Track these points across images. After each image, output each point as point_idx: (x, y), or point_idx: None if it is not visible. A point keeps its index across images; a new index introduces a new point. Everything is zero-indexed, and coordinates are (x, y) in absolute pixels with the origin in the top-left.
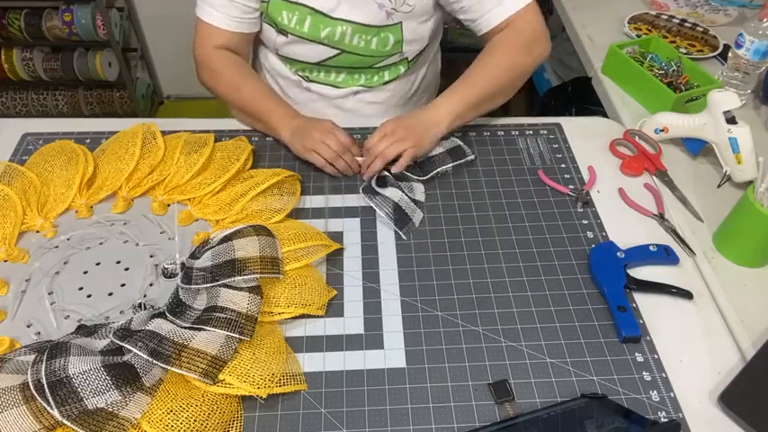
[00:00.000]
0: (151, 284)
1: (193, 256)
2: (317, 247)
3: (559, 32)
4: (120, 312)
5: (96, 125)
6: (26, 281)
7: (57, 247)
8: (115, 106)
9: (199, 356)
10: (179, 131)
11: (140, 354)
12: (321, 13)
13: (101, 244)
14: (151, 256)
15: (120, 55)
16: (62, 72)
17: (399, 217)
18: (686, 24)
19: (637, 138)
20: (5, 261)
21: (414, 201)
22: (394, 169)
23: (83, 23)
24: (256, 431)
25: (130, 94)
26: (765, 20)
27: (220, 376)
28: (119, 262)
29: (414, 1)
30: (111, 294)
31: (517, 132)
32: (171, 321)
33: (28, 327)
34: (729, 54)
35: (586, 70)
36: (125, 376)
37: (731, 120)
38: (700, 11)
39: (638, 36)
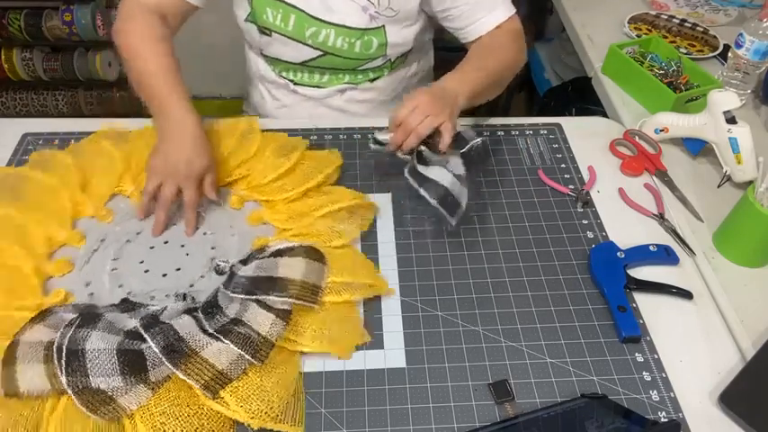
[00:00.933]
0: (202, 276)
1: (244, 261)
2: (363, 286)
3: (559, 32)
4: (166, 296)
5: (96, 125)
6: (101, 241)
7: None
8: (115, 106)
9: (205, 367)
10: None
11: (154, 347)
12: (303, 11)
13: (174, 224)
14: (212, 248)
15: None
16: (62, 72)
17: (450, 203)
18: (686, 24)
19: (637, 138)
20: (92, 217)
21: (457, 177)
22: (441, 147)
23: (83, 23)
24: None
25: (130, 94)
26: (765, 20)
27: (221, 393)
28: (183, 245)
29: (398, 6)
30: (165, 275)
31: (517, 132)
32: (198, 321)
33: (86, 285)
34: (729, 54)
35: (586, 70)
36: (132, 365)
37: (731, 120)
38: (700, 11)
39: (638, 36)
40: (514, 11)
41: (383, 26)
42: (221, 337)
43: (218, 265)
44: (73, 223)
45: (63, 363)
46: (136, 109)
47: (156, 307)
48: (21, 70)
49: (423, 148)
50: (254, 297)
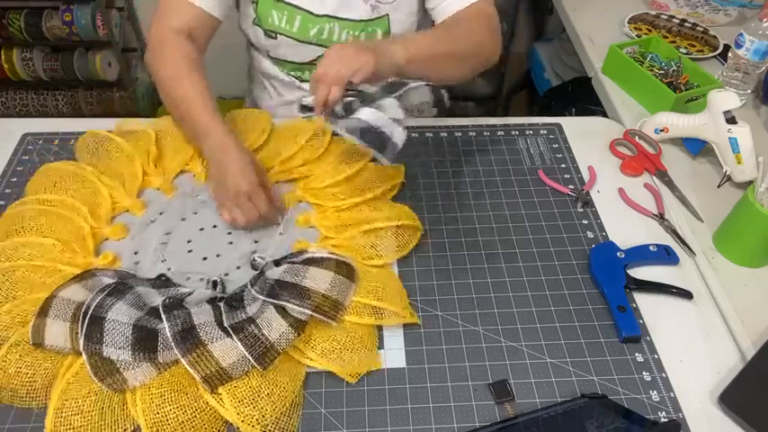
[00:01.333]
0: (238, 267)
1: (277, 262)
2: (388, 314)
3: (559, 32)
4: (200, 279)
5: (96, 125)
6: (159, 213)
7: (198, 196)
8: (115, 106)
9: (210, 360)
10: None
11: (167, 331)
12: (308, 11)
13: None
14: (255, 242)
15: (120, 55)
16: (62, 72)
17: (374, 138)
18: (686, 24)
19: (637, 138)
20: (158, 189)
21: (388, 116)
22: (354, 79)
23: (83, 23)
24: None
25: (130, 94)
26: (765, 20)
27: (220, 389)
28: (230, 233)
29: None
30: (205, 259)
31: (517, 132)
32: (217, 312)
33: (134, 254)
34: (729, 54)
35: (586, 70)
36: (144, 343)
37: (731, 120)
38: (700, 11)
39: (638, 36)
40: None
41: (386, 15)
42: (233, 334)
43: (255, 260)
44: (139, 192)
45: (84, 326)
46: (136, 109)
47: (186, 289)
48: (21, 70)
49: (351, 99)
50: (274, 301)
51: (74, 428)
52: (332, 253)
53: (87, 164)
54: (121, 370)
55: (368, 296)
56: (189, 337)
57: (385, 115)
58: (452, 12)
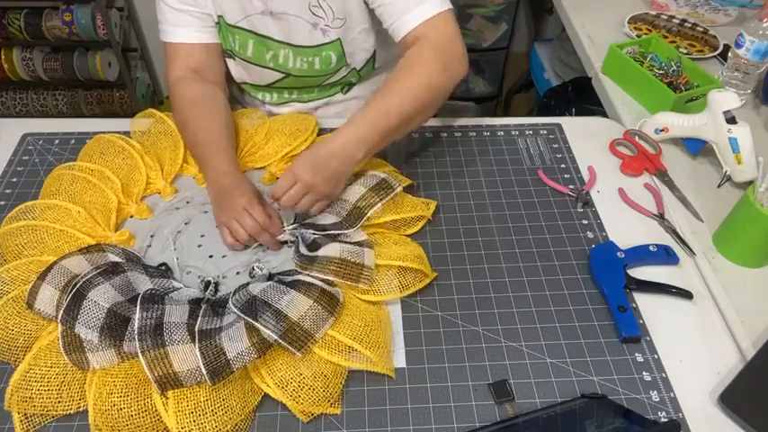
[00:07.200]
0: (238, 273)
1: (271, 277)
2: (362, 358)
3: (559, 32)
4: (198, 276)
5: (96, 125)
6: (186, 202)
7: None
8: (115, 106)
9: (165, 363)
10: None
11: (136, 324)
12: (260, 35)
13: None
14: (263, 251)
15: (120, 55)
16: (62, 72)
17: (349, 271)
18: (686, 24)
19: (637, 138)
20: (193, 177)
21: (357, 243)
22: (313, 211)
23: (83, 23)
24: (256, 431)
25: (130, 94)
26: (765, 20)
27: (169, 393)
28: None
29: (343, 13)
30: (210, 257)
31: (517, 132)
32: (194, 314)
33: (151, 236)
34: (729, 54)
35: (586, 70)
36: (112, 329)
37: (731, 120)
38: (700, 11)
39: (638, 36)
40: (444, 8)
41: (338, 39)
42: (197, 340)
43: (254, 269)
44: (176, 177)
45: (67, 298)
46: (136, 109)
47: (177, 284)
48: (21, 70)
49: (312, 235)
50: (245, 317)
51: (32, 393)
52: (324, 281)
53: (138, 141)
54: (86, 350)
55: (346, 334)
56: (153, 335)
57: (355, 246)
58: (406, 31)
